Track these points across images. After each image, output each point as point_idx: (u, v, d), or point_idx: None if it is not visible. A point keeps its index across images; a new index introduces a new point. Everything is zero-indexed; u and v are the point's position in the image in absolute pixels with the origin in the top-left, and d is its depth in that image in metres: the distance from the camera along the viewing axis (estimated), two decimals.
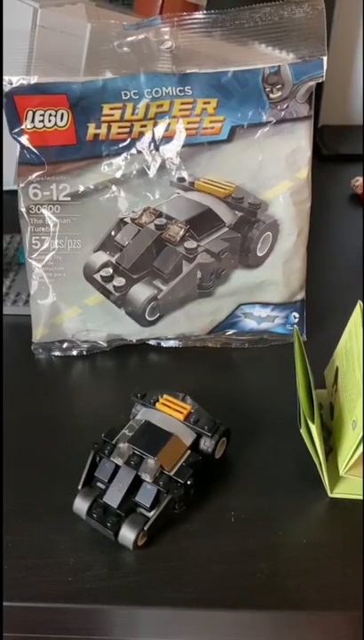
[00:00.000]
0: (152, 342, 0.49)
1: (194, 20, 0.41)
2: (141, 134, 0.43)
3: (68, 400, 0.44)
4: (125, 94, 0.41)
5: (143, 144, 0.43)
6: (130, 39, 0.41)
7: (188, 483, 0.35)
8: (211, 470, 0.38)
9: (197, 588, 0.32)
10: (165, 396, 0.39)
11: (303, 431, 0.35)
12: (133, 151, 0.43)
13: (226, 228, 0.46)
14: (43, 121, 0.42)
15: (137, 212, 0.45)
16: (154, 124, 0.43)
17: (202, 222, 0.45)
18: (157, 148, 0.43)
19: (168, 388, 0.40)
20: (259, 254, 0.47)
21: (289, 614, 0.31)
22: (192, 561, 0.33)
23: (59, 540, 0.34)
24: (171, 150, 0.43)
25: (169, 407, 0.38)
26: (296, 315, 0.49)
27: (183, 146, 0.43)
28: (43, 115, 0.41)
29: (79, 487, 0.36)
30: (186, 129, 0.43)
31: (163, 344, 0.49)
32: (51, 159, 0.43)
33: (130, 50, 0.41)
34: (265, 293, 0.48)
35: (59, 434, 0.41)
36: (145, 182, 0.44)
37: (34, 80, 0.40)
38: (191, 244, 0.46)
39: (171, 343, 0.49)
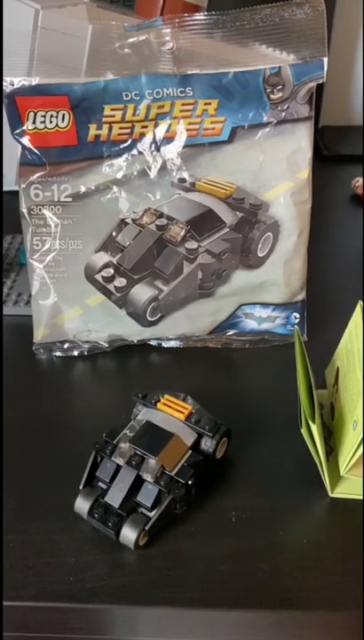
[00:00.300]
0: (153, 342, 0.49)
1: (195, 22, 0.41)
2: (142, 135, 0.43)
3: (69, 400, 0.44)
4: (126, 95, 0.41)
5: (144, 145, 0.43)
6: (131, 40, 0.41)
7: (189, 483, 0.35)
8: (212, 470, 0.38)
9: (198, 587, 0.32)
10: (166, 396, 0.39)
11: (303, 431, 0.35)
12: (134, 152, 0.43)
13: (227, 229, 0.46)
14: (44, 122, 0.42)
15: (138, 213, 0.45)
16: (155, 125, 0.43)
17: (203, 223, 0.45)
18: (158, 149, 0.43)
19: (169, 388, 0.40)
20: (260, 255, 0.47)
21: (290, 614, 0.32)
22: (193, 561, 0.33)
23: (61, 539, 0.34)
24: (172, 151, 0.43)
25: (170, 407, 0.38)
26: (297, 315, 0.49)
27: (184, 147, 0.43)
28: (44, 116, 0.41)
29: (80, 487, 0.36)
30: (187, 130, 0.43)
31: (164, 344, 0.49)
32: (52, 160, 0.43)
33: (131, 51, 0.41)
34: (265, 294, 0.48)
35: (61, 434, 0.41)
36: (146, 183, 0.44)
37: (35, 81, 0.40)
38: (192, 244, 0.46)
39: (172, 343, 0.49)
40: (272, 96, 0.43)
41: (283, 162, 0.45)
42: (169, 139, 0.43)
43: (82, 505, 0.35)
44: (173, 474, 0.35)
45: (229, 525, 0.35)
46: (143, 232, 0.45)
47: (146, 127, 0.43)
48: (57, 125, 0.42)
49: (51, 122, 0.42)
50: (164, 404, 0.38)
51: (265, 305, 0.49)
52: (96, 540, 0.34)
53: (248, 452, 0.40)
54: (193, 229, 0.45)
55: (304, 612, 0.31)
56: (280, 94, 0.43)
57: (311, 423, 0.35)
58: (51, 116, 0.41)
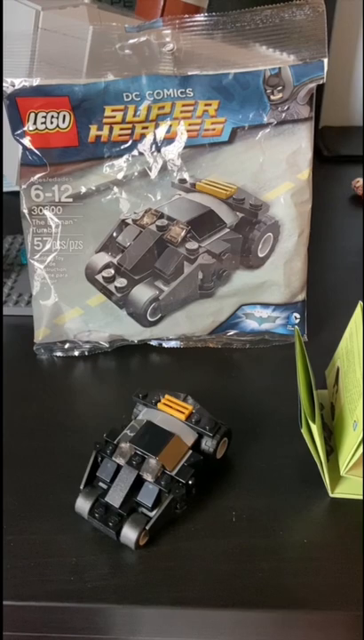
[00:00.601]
0: (153, 343, 0.49)
1: (196, 23, 0.41)
2: (143, 136, 0.43)
3: (70, 400, 0.44)
4: (127, 96, 0.42)
5: (144, 145, 0.43)
6: (131, 41, 0.41)
7: (190, 482, 0.35)
8: (213, 470, 0.38)
9: (198, 587, 0.32)
10: (167, 396, 0.39)
11: (304, 431, 0.35)
12: (135, 153, 0.43)
13: (227, 229, 0.46)
14: (45, 123, 0.42)
15: (138, 214, 0.45)
16: (156, 126, 0.43)
17: (204, 223, 0.45)
18: (159, 150, 0.43)
19: (169, 388, 0.40)
20: (260, 255, 0.47)
21: (290, 614, 0.32)
22: (193, 560, 0.33)
23: (62, 539, 0.34)
24: (173, 152, 0.43)
25: (170, 407, 0.38)
26: (297, 315, 0.49)
27: (184, 147, 0.43)
28: (45, 116, 0.41)
29: (81, 487, 0.36)
30: (188, 130, 0.43)
31: (165, 344, 0.49)
32: (53, 160, 0.43)
33: (131, 52, 0.41)
34: (266, 294, 0.48)
35: (61, 434, 0.41)
36: (146, 183, 0.44)
37: (36, 82, 0.40)
38: (192, 244, 0.46)
39: (173, 344, 0.49)
40: (272, 97, 0.43)
41: (283, 162, 0.45)
42: (169, 139, 0.43)
43: (82, 505, 0.35)
44: (173, 474, 0.35)
45: (229, 525, 0.35)
46: (143, 232, 0.45)
47: (146, 128, 0.43)
48: (57, 126, 0.42)
49: (51, 122, 0.42)
50: (165, 404, 0.38)
51: (265, 305, 0.49)
52: (96, 539, 0.34)
53: (248, 452, 0.40)
54: (194, 230, 0.45)
55: (304, 612, 0.31)
56: (281, 95, 0.43)
57: (311, 423, 0.35)
58: (52, 116, 0.41)
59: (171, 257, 0.46)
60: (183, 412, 0.37)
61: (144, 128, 0.43)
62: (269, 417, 0.42)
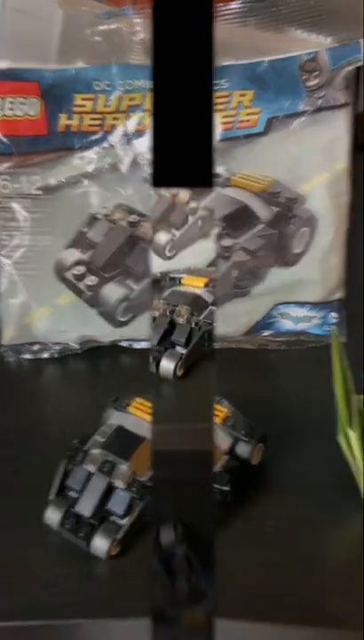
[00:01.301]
0: (124, 344, 0.66)
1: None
2: (113, 127, 0.61)
3: (39, 405, 0.61)
4: (97, 85, 0.60)
5: (115, 138, 0.62)
6: (101, 28, 0.59)
7: (226, 489, 0.48)
8: (247, 477, 0.50)
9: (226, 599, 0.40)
10: (137, 399, 0.53)
11: (341, 439, 0.48)
12: (105, 145, 0.62)
13: (262, 225, 0.64)
14: (12, 109, 0.61)
15: (109, 208, 0.63)
16: (127, 118, 0.61)
17: (238, 219, 0.63)
18: (129, 143, 0.62)
19: (144, 391, 0.54)
20: (296, 251, 0.64)
21: (327, 632, 0.42)
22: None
23: (29, 553, 0.47)
24: (144, 145, 0.61)
25: (141, 410, 0.52)
26: (335, 315, 0.65)
27: (219, 140, 0.61)
28: (13, 102, 0.60)
29: (50, 497, 0.48)
30: (222, 123, 0.60)
31: (136, 346, 0.66)
32: (21, 150, 0.62)
33: (101, 39, 0.59)
34: (301, 292, 0.65)
35: (30, 440, 0.57)
36: (117, 177, 0.62)
37: (4, 65, 0.59)
38: (227, 241, 0.63)
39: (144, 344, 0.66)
40: (308, 83, 0.60)
41: (320, 152, 0.62)
42: (140, 132, 0.61)
43: (52, 515, 0.48)
44: (145, 479, 0.48)
45: (263, 536, 0.48)
46: (114, 228, 0.64)
47: (117, 119, 0.61)
48: (26, 113, 0.61)
49: (20, 109, 0.60)
50: (136, 407, 0.53)
51: (300, 304, 0.65)
52: (67, 551, 0.46)
53: (284, 459, 0.53)
54: (228, 226, 0.63)
55: (343, 632, 0.42)
56: (317, 81, 0.60)
57: (348, 430, 0.47)
58: (21, 102, 0.60)
59: (142, 254, 0.63)
60: (218, 416, 0.51)
61: (115, 119, 0.61)
62: (306, 422, 0.56)
